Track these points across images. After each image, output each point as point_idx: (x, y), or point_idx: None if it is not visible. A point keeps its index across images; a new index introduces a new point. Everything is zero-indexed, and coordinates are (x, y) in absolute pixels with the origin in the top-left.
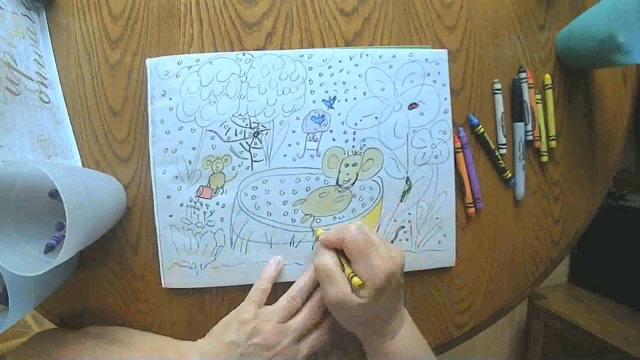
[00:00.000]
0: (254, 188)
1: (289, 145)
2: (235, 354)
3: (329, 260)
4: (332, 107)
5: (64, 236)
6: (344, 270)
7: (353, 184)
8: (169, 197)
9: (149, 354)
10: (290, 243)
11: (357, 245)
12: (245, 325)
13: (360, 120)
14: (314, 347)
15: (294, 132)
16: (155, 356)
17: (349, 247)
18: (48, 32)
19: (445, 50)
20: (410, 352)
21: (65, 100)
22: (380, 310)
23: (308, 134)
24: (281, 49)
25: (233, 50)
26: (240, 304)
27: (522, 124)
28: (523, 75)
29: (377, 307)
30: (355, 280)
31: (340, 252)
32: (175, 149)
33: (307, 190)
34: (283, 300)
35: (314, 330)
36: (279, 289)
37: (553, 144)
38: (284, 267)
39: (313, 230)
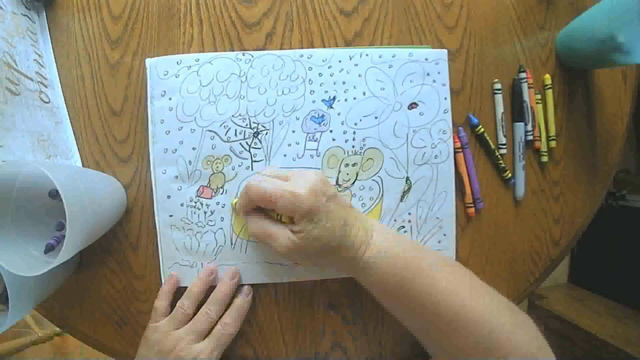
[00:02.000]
0: None
1: (289, 145)
2: None
3: (257, 222)
4: (331, 107)
5: (64, 236)
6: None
7: (353, 183)
8: (169, 197)
9: None
10: None
11: (263, 193)
12: (147, 340)
13: (360, 120)
14: (220, 340)
15: (293, 132)
16: None
17: (258, 199)
18: (48, 32)
19: (445, 50)
20: (394, 252)
21: (65, 100)
22: (330, 230)
23: (308, 134)
24: (281, 49)
25: (233, 50)
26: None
27: (522, 124)
28: (523, 75)
29: (323, 228)
30: (284, 218)
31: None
32: (175, 149)
33: None
34: (174, 311)
35: (216, 326)
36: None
37: (553, 144)
38: (284, 266)
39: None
